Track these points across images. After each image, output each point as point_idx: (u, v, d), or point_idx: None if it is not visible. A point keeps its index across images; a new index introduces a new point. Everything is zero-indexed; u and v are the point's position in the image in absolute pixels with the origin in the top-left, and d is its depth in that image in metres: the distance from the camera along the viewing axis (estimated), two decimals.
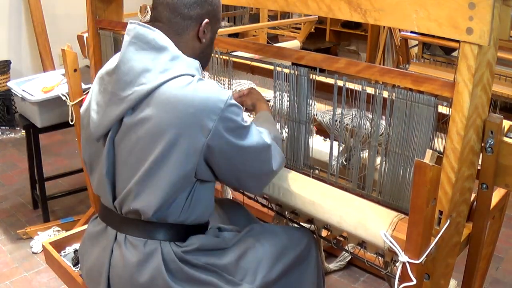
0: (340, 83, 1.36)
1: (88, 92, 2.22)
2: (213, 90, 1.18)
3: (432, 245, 1.15)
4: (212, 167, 1.23)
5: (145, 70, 1.18)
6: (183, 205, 1.23)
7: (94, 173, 1.33)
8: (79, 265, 1.54)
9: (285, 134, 1.57)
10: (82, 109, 1.35)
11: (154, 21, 1.26)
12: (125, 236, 1.26)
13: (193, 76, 1.20)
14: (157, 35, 1.21)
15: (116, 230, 1.29)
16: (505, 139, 1.21)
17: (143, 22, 1.26)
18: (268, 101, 1.60)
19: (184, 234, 1.28)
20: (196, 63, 1.25)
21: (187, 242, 1.27)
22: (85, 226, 1.55)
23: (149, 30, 1.21)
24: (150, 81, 1.17)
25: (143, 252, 1.23)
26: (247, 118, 1.62)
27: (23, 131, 3.22)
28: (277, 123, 1.58)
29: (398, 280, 1.16)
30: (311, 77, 1.43)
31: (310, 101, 1.47)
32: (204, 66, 1.35)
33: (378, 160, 1.36)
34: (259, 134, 1.26)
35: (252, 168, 1.27)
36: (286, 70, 1.47)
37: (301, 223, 1.59)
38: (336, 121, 1.43)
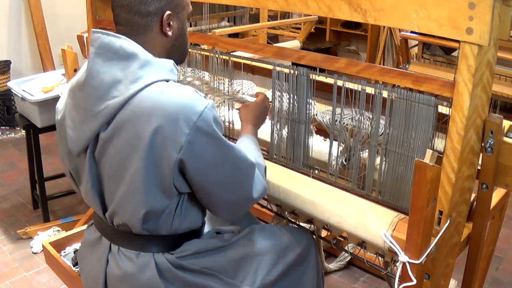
0: (340, 83, 1.36)
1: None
2: (187, 100, 1.10)
3: (432, 245, 1.15)
4: (187, 183, 1.17)
5: (115, 82, 1.12)
6: (173, 216, 1.20)
7: (81, 185, 1.30)
8: (79, 265, 1.54)
9: (285, 134, 1.57)
10: (58, 120, 1.29)
11: (116, 25, 1.20)
12: (118, 248, 1.25)
13: (167, 81, 1.15)
14: (124, 42, 1.14)
15: (110, 241, 1.27)
16: (505, 139, 1.21)
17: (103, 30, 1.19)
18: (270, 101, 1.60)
19: (178, 243, 1.25)
20: (169, 64, 1.18)
21: (181, 248, 1.24)
22: (85, 226, 1.55)
23: (115, 38, 1.14)
24: (122, 93, 1.11)
25: (137, 264, 1.21)
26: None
27: (23, 131, 3.23)
28: (277, 123, 1.58)
29: (398, 280, 1.16)
30: (310, 77, 1.43)
31: (310, 100, 1.47)
32: (182, 58, 1.29)
33: (378, 160, 1.36)
34: (239, 158, 1.19)
35: (228, 194, 1.19)
36: (286, 70, 1.47)
37: (301, 223, 1.59)
38: (336, 121, 1.43)
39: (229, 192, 1.20)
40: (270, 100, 1.62)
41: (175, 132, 1.08)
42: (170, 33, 1.20)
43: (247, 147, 1.32)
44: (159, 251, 1.22)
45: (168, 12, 1.18)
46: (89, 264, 1.33)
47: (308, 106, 1.48)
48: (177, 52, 1.25)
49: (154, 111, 1.09)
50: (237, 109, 1.54)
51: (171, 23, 1.20)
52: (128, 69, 1.13)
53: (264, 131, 1.72)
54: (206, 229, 1.37)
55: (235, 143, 1.32)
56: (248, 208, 1.31)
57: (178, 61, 1.27)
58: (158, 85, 1.12)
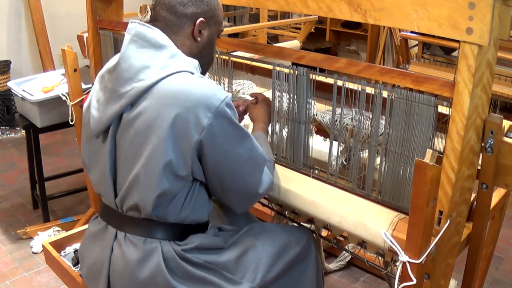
0: (340, 83, 1.36)
1: (88, 91, 2.23)
2: (211, 88, 1.19)
3: (432, 245, 1.15)
4: (202, 167, 1.22)
5: (144, 66, 1.20)
6: (183, 204, 1.24)
7: (95, 172, 1.34)
8: (79, 265, 1.54)
9: (284, 134, 1.57)
10: (83, 108, 1.37)
11: (153, 21, 1.29)
12: (125, 235, 1.27)
13: (192, 73, 1.22)
14: (157, 34, 1.23)
15: (116, 228, 1.29)
16: (505, 139, 1.21)
17: (144, 22, 1.27)
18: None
19: (184, 234, 1.28)
20: (195, 62, 1.26)
21: (187, 241, 1.27)
22: (85, 226, 1.55)
23: (149, 29, 1.24)
24: (149, 77, 1.19)
25: (143, 250, 1.23)
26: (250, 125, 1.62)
27: (23, 131, 3.23)
28: (277, 123, 1.58)
29: (398, 280, 1.16)
30: (310, 77, 1.43)
31: (310, 100, 1.47)
32: (205, 69, 1.37)
33: (378, 160, 1.36)
34: (254, 148, 1.25)
35: (239, 181, 1.25)
36: (286, 70, 1.47)
37: (301, 223, 1.59)
38: (336, 121, 1.43)
39: (240, 181, 1.25)
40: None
41: (198, 115, 1.15)
42: (199, 39, 1.29)
43: (260, 142, 1.36)
44: (165, 238, 1.25)
45: (201, 19, 1.28)
46: (93, 255, 1.35)
47: (308, 106, 1.48)
48: (201, 61, 1.31)
49: (179, 96, 1.16)
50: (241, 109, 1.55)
51: (202, 31, 1.30)
52: (157, 57, 1.21)
53: None
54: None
55: None
56: (256, 201, 1.35)
57: (201, 72, 1.33)
58: (184, 75, 1.21)
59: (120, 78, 1.21)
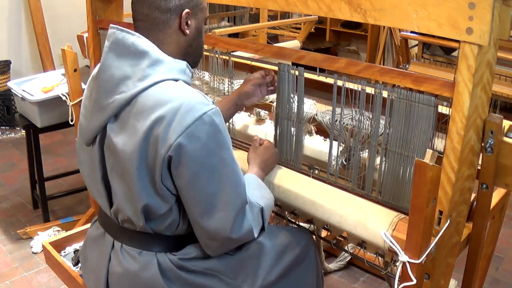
0: (340, 83, 1.36)
1: None
2: (188, 101, 1.10)
3: (432, 245, 1.15)
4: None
5: (124, 77, 1.14)
6: (179, 222, 1.21)
7: (89, 179, 1.31)
8: (79, 265, 1.54)
9: (278, 132, 1.57)
10: (80, 114, 1.33)
11: (134, 21, 1.22)
12: (121, 245, 1.25)
13: (176, 80, 1.16)
14: (137, 39, 1.16)
15: (113, 238, 1.28)
16: (505, 139, 1.21)
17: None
18: (271, 101, 1.60)
19: (181, 244, 1.26)
20: (181, 65, 1.20)
21: (184, 251, 1.25)
22: (85, 226, 1.55)
23: (128, 34, 1.17)
24: (129, 89, 1.14)
25: (139, 262, 1.22)
26: (248, 120, 1.61)
27: (23, 131, 3.23)
28: (278, 123, 1.58)
29: (398, 280, 1.16)
30: (292, 72, 1.43)
31: (293, 95, 1.47)
32: (196, 61, 1.31)
33: (378, 160, 1.36)
34: (234, 181, 1.14)
35: (205, 215, 1.14)
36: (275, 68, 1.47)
37: (301, 223, 1.59)
38: (336, 121, 1.43)
39: (206, 215, 1.14)
40: (271, 100, 1.62)
41: (168, 131, 1.08)
42: (187, 31, 1.22)
43: (248, 183, 1.26)
44: (161, 251, 1.23)
45: (187, 10, 1.20)
46: (92, 261, 1.34)
47: (291, 101, 1.48)
48: (192, 53, 1.26)
49: (155, 107, 1.11)
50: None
51: (189, 22, 1.22)
52: (137, 66, 1.15)
53: (264, 131, 1.72)
54: None
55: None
56: (229, 246, 1.22)
57: (192, 64, 1.28)
58: (165, 84, 1.14)
59: (102, 89, 1.17)
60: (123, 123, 1.15)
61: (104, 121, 1.18)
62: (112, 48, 1.17)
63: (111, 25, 1.22)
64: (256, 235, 1.23)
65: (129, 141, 1.13)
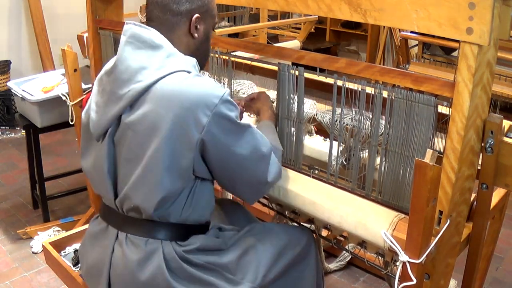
0: (340, 83, 1.36)
1: (88, 91, 2.23)
2: (209, 86, 1.19)
3: (432, 245, 1.15)
4: (207, 165, 1.23)
5: (141, 67, 1.19)
6: (184, 204, 1.24)
7: (94, 174, 1.33)
8: (79, 265, 1.54)
9: (278, 132, 1.57)
10: (83, 112, 1.36)
11: (148, 21, 1.28)
12: (126, 235, 1.27)
13: (189, 72, 1.21)
14: (153, 34, 1.23)
15: (117, 229, 1.29)
16: (505, 139, 1.21)
17: (141, 23, 1.27)
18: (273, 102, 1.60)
19: (185, 234, 1.28)
20: (192, 60, 1.26)
21: (188, 241, 1.27)
22: (85, 226, 1.55)
23: (145, 29, 1.23)
24: (146, 78, 1.18)
25: (144, 251, 1.23)
26: (248, 120, 1.62)
27: (23, 131, 3.23)
28: (278, 123, 1.58)
29: (398, 280, 1.16)
30: (292, 72, 1.44)
31: (293, 95, 1.48)
32: (202, 64, 1.36)
33: (378, 160, 1.36)
34: (257, 139, 1.25)
35: (245, 174, 1.25)
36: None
37: (301, 223, 1.59)
38: (336, 121, 1.43)
39: (246, 174, 1.25)
40: (271, 100, 1.62)
41: (197, 114, 1.15)
42: (196, 35, 1.29)
43: (265, 131, 1.36)
44: (167, 238, 1.25)
45: (197, 15, 1.27)
46: (93, 255, 1.35)
47: (291, 101, 1.48)
48: (199, 56, 1.31)
49: (177, 96, 1.16)
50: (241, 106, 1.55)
51: (198, 26, 1.29)
52: (154, 58, 1.21)
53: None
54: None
55: None
56: (265, 191, 1.34)
57: (199, 67, 1.33)
58: (180, 74, 1.20)
59: (118, 80, 1.21)
60: (141, 112, 1.18)
61: (120, 111, 1.21)
62: (129, 42, 1.23)
63: (127, 21, 1.28)
64: (280, 172, 1.34)
65: (151, 129, 1.17)
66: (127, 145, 1.22)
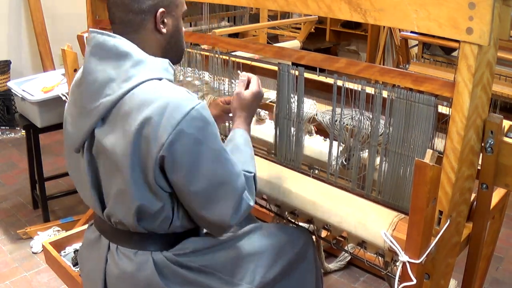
0: (340, 83, 1.36)
1: None
2: (175, 99, 1.10)
3: (432, 245, 1.15)
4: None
5: (109, 80, 1.14)
6: (172, 218, 1.20)
7: (80, 186, 1.31)
8: (79, 265, 1.54)
9: (278, 132, 1.57)
10: (63, 120, 1.31)
11: (111, 24, 1.21)
12: (116, 247, 1.25)
13: (160, 79, 1.15)
14: (118, 41, 1.16)
15: (109, 240, 1.28)
16: (505, 139, 1.21)
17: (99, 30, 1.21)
18: (272, 101, 1.60)
19: (176, 241, 1.25)
20: (163, 63, 1.19)
21: (180, 246, 1.24)
22: (85, 226, 1.55)
23: (109, 37, 1.16)
24: (114, 91, 1.13)
25: (135, 262, 1.22)
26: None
27: (23, 131, 3.23)
28: (278, 123, 1.58)
29: (398, 280, 1.16)
30: (292, 72, 1.44)
31: (293, 95, 1.48)
32: (178, 55, 1.29)
33: (378, 160, 1.36)
34: (229, 169, 1.14)
35: (205, 207, 1.15)
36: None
37: (301, 223, 1.59)
38: (336, 121, 1.43)
39: (206, 207, 1.15)
40: (271, 100, 1.62)
41: (158, 129, 1.08)
42: (164, 30, 1.21)
43: (238, 149, 1.27)
44: (157, 249, 1.23)
45: (161, 10, 1.18)
46: (89, 264, 1.34)
47: (291, 101, 1.48)
48: (172, 50, 1.25)
49: (142, 107, 1.10)
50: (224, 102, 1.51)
51: (165, 20, 1.20)
52: (120, 68, 1.14)
53: (264, 131, 1.72)
54: None
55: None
56: (226, 231, 1.24)
57: (175, 61, 1.27)
58: (149, 84, 1.13)
59: (87, 93, 1.16)
60: (111, 126, 1.14)
61: (92, 125, 1.16)
62: (93, 52, 1.16)
63: (90, 29, 1.22)
64: (253, 204, 1.22)
65: (119, 143, 1.12)
66: (103, 159, 1.17)
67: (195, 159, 1.11)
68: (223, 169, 1.14)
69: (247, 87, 1.38)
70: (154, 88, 1.12)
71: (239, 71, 1.63)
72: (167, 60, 1.21)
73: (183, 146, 1.09)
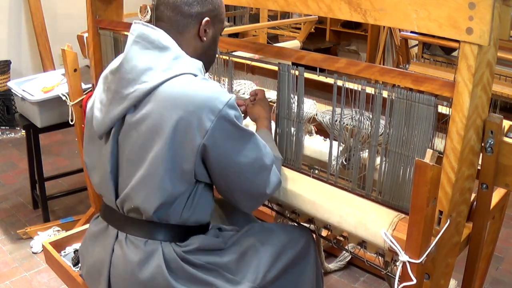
0: (340, 83, 1.36)
1: (88, 91, 2.23)
2: (214, 91, 1.18)
3: (432, 245, 1.15)
4: (207, 170, 1.22)
5: (148, 68, 1.19)
6: (184, 206, 1.24)
7: (96, 173, 1.33)
8: (79, 265, 1.54)
9: (278, 132, 1.57)
10: (87, 108, 1.36)
11: (156, 21, 1.28)
12: (126, 235, 1.27)
13: (195, 75, 1.21)
14: (161, 35, 1.22)
15: (118, 229, 1.29)
16: (505, 139, 1.21)
17: (146, 22, 1.27)
18: (272, 101, 1.60)
19: (185, 235, 1.28)
20: (199, 64, 1.25)
21: (188, 242, 1.27)
22: (85, 226, 1.56)
23: (153, 30, 1.23)
24: (152, 79, 1.18)
25: (144, 251, 1.23)
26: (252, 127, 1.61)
27: (23, 131, 3.23)
28: (279, 123, 1.58)
29: (398, 280, 1.16)
30: (292, 72, 1.45)
31: (293, 95, 1.48)
32: (207, 67, 1.36)
33: (378, 160, 1.36)
34: (259, 149, 1.24)
35: (245, 183, 1.24)
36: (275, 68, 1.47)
37: (301, 223, 1.59)
38: (336, 121, 1.43)
39: (245, 183, 1.24)
40: (272, 100, 1.62)
41: (201, 118, 1.14)
42: (205, 38, 1.29)
43: (266, 140, 1.35)
44: (166, 240, 1.25)
45: (207, 19, 1.27)
46: (93, 255, 1.35)
47: (292, 102, 1.48)
48: (205, 60, 1.31)
49: (182, 99, 1.15)
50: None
51: (207, 30, 1.29)
52: (161, 59, 1.20)
53: None
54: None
55: None
56: (264, 201, 1.33)
57: (205, 71, 1.33)
58: (186, 77, 1.19)
59: (123, 80, 1.21)
60: (145, 113, 1.18)
61: (124, 111, 1.21)
62: (137, 41, 1.22)
63: (135, 21, 1.28)
64: (280, 179, 1.33)
65: (154, 131, 1.16)
66: (130, 145, 1.22)
67: (237, 143, 1.20)
68: (257, 145, 1.24)
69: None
70: (192, 82, 1.18)
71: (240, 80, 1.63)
72: (201, 62, 1.27)
73: (226, 131, 1.17)
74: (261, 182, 1.25)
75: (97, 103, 1.29)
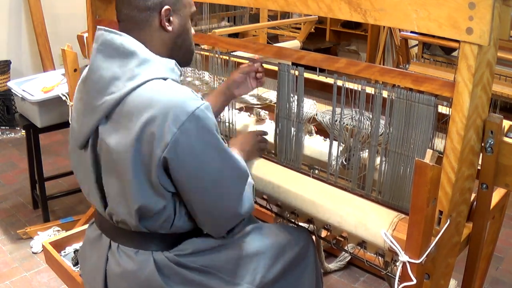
0: (340, 83, 1.36)
1: None
2: (180, 98, 1.11)
3: (432, 245, 1.15)
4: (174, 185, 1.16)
5: (114, 78, 1.14)
6: (174, 218, 1.21)
7: (83, 183, 1.31)
8: (79, 265, 1.54)
9: (278, 132, 1.57)
10: (71, 116, 1.32)
11: (118, 22, 1.23)
12: (117, 246, 1.26)
13: (165, 79, 1.15)
14: (125, 39, 1.17)
15: (110, 238, 1.28)
16: (505, 139, 1.21)
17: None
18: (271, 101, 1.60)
19: (177, 241, 1.26)
20: (170, 63, 1.20)
21: (180, 247, 1.25)
22: (85, 226, 1.55)
23: (116, 35, 1.17)
24: (119, 89, 1.13)
25: (136, 261, 1.22)
26: (248, 119, 1.61)
27: (23, 131, 3.23)
28: (279, 123, 1.58)
29: (398, 280, 1.16)
30: (292, 72, 1.44)
31: (293, 95, 1.48)
32: (187, 57, 1.30)
33: (378, 160, 1.36)
34: (234, 158, 1.18)
35: (211, 203, 1.18)
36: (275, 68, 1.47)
37: (301, 223, 1.59)
38: (336, 121, 1.43)
39: (213, 202, 1.18)
40: (274, 101, 1.62)
41: (163, 129, 1.08)
42: (170, 28, 1.21)
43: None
44: (158, 249, 1.23)
45: (166, 7, 1.19)
46: (90, 262, 1.34)
47: (291, 102, 1.48)
48: (180, 51, 1.25)
49: (146, 107, 1.10)
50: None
51: (171, 18, 1.21)
52: (126, 67, 1.15)
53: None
54: None
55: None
56: (233, 224, 1.27)
57: (183, 63, 1.28)
58: (154, 83, 1.14)
59: (92, 91, 1.17)
60: (115, 124, 1.15)
61: (96, 122, 1.17)
62: (100, 50, 1.18)
63: (98, 26, 1.23)
64: (253, 203, 1.28)
65: (123, 141, 1.12)
66: (105, 157, 1.18)
67: (201, 158, 1.12)
68: (227, 162, 1.18)
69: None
70: (159, 88, 1.13)
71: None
72: (173, 61, 1.21)
73: (188, 145, 1.10)
74: (232, 203, 1.19)
75: (73, 113, 1.26)
